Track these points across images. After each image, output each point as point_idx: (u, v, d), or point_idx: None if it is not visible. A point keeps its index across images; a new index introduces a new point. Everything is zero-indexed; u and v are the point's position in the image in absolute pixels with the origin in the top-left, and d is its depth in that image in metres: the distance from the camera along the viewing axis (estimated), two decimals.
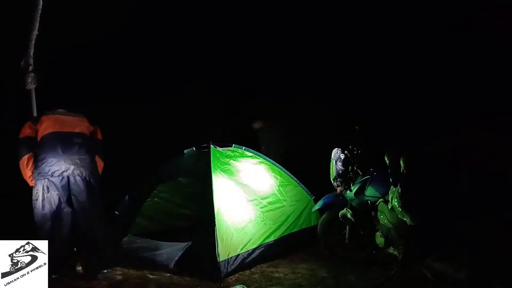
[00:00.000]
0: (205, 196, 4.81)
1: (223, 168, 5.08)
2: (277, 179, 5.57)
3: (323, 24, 8.15)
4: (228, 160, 5.27)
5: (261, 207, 5.12)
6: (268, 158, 5.75)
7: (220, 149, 5.33)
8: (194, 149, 5.44)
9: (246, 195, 5.08)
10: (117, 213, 5.48)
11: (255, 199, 5.14)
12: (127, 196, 5.52)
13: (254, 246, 4.79)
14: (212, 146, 5.22)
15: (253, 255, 4.77)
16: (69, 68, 7.58)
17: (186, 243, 4.69)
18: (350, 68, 7.76)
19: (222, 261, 4.40)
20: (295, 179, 5.80)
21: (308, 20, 8.31)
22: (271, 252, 4.97)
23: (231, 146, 5.51)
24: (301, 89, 8.09)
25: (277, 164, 5.76)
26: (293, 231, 5.32)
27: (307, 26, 8.25)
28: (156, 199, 5.60)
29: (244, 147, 5.62)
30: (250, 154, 5.62)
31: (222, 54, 8.61)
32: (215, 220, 4.48)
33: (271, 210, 5.20)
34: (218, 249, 4.38)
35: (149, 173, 5.64)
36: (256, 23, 8.34)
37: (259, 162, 5.62)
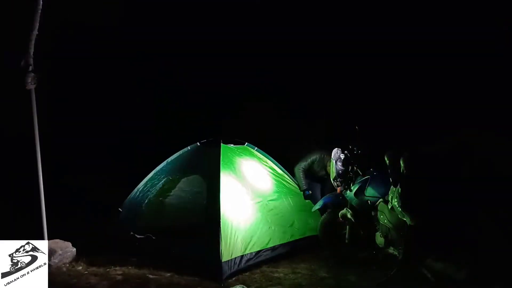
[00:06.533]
0: (211, 195, 4.73)
1: (231, 166, 4.98)
2: (285, 186, 5.48)
3: (324, 23, 8.15)
4: (237, 158, 5.15)
5: (268, 210, 5.03)
6: (278, 164, 5.60)
7: (232, 146, 5.20)
8: (198, 144, 5.31)
9: (252, 196, 4.98)
10: (121, 210, 5.42)
11: (261, 201, 5.03)
12: (131, 192, 5.48)
13: (258, 249, 4.71)
14: (222, 143, 5.10)
15: (257, 259, 4.68)
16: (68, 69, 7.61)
17: (189, 242, 4.64)
18: (350, 68, 7.76)
19: (225, 261, 4.35)
20: None
21: (309, 19, 8.31)
22: (274, 256, 4.87)
23: (244, 144, 5.39)
24: (302, 89, 8.09)
25: (286, 171, 5.64)
26: (297, 238, 5.17)
27: (308, 26, 8.26)
28: (160, 198, 5.48)
29: (256, 148, 5.50)
30: (261, 156, 5.50)
31: (222, 54, 8.61)
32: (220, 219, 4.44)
33: (276, 214, 5.11)
34: (222, 249, 4.34)
35: (152, 170, 5.55)
36: (257, 23, 8.35)
37: (269, 166, 5.49)
